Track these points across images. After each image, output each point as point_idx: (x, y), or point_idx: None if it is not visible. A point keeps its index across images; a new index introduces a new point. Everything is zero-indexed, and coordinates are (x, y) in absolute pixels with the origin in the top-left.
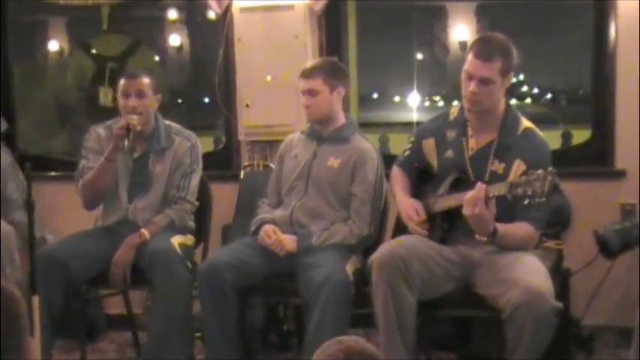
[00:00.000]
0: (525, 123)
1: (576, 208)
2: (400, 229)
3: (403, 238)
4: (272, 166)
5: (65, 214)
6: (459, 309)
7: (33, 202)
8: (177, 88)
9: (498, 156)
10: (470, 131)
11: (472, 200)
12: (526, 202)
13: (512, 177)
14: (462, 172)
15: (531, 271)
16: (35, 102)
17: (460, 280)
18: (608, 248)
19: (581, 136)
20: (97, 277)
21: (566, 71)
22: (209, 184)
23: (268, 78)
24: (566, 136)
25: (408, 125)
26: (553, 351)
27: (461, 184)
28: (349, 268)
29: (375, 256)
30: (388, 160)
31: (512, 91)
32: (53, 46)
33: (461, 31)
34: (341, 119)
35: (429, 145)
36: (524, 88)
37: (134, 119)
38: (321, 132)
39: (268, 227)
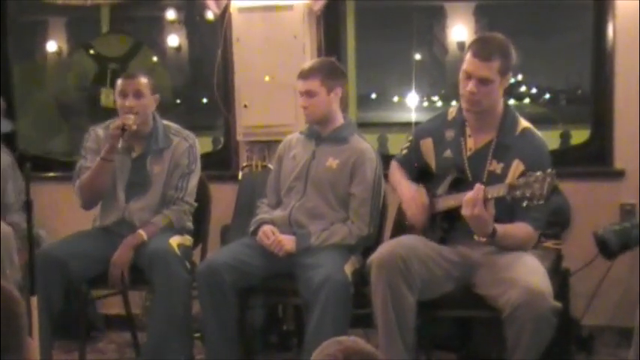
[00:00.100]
0: (524, 123)
1: (575, 208)
2: (399, 228)
3: (403, 238)
4: (271, 166)
5: (64, 214)
6: (458, 309)
7: (32, 202)
8: (176, 89)
9: (497, 156)
10: (468, 131)
11: (471, 201)
12: (525, 204)
13: (510, 177)
14: (460, 172)
15: (531, 272)
16: (35, 102)
17: (460, 281)
18: (607, 249)
19: (580, 136)
20: (96, 277)
21: (565, 71)
22: (208, 185)
23: (267, 78)
24: (565, 136)
25: (406, 125)
26: (553, 351)
27: (460, 184)
28: (348, 269)
29: (374, 256)
30: (387, 160)
31: (511, 91)
32: (53, 46)
33: (460, 31)
34: (339, 119)
35: (427, 145)
36: (523, 88)
37: (130, 119)
38: (320, 132)
39: (267, 227)
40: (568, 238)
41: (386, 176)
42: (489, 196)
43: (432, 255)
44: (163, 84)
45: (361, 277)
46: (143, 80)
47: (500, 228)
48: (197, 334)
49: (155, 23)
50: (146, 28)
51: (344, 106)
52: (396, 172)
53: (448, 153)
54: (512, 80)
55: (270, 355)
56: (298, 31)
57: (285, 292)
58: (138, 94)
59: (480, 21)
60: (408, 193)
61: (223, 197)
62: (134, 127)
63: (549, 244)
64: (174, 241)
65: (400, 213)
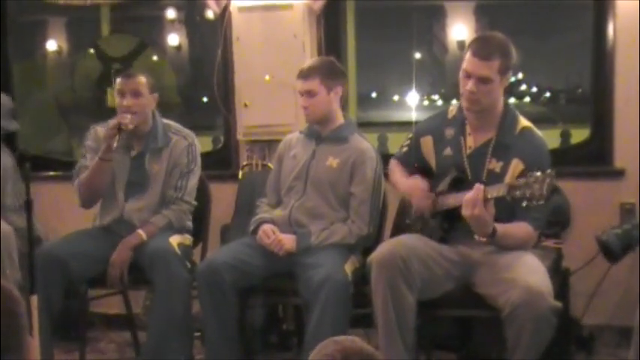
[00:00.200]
0: (523, 122)
1: (575, 207)
2: (399, 228)
3: (403, 238)
4: (271, 165)
5: (64, 214)
6: (458, 309)
7: (32, 202)
8: (176, 88)
9: (496, 155)
10: (468, 130)
11: (471, 201)
12: (524, 204)
13: (509, 176)
14: (460, 171)
15: (531, 271)
16: (35, 101)
17: (460, 280)
18: (611, 252)
19: (580, 135)
20: (96, 277)
21: (566, 71)
22: (208, 184)
23: (267, 77)
24: (565, 136)
25: (406, 124)
26: (553, 351)
27: (459, 182)
28: (348, 268)
29: (374, 256)
30: (387, 159)
31: (511, 90)
32: (53, 45)
33: (460, 30)
34: (339, 119)
35: (427, 143)
36: (523, 87)
37: (126, 118)
38: (320, 132)
39: (267, 227)
40: (568, 238)
41: (386, 175)
42: (489, 196)
43: (432, 254)
44: (169, 84)
45: (361, 277)
46: (141, 79)
47: (501, 228)
48: (197, 334)
49: (155, 23)
50: (146, 28)
51: (344, 105)
52: (396, 170)
53: (448, 151)
54: (513, 79)
55: (270, 354)
56: (298, 30)
57: (285, 291)
58: (136, 94)
59: (479, 20)
60: (407, 182)
61: (223, 196)
62: (131, 127)
63: (549, 243)
64: (175, 240)
65: (400, 212)
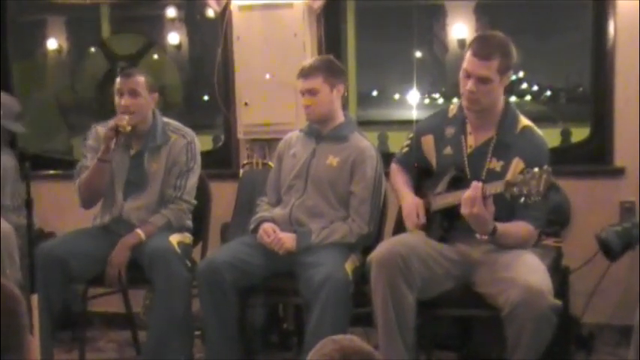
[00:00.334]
0: (524, 121)
1: (575, 206)
2: (401, 227)
3: (403, 237)
4: (271, 164)
5: (64, 213)
6: (458, 308)
7: (32, 201)
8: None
9: (496, 154)
10: (468, 129)
11: (470, 200)
12: (522, 200)
13: (510, 175)
14: (460, 170)
15: (530, 270)
16: (35, 101)
17: (460, 279)
18: (610, 251)
19: (580, 134)
20: (96, 276)
21: (566, 69)
22: (208, 183)
23: (267, 76)
24: (566, 134)
25: (407, 123)
26: (553, 350)
27: (459, 181)
28: (348, 267)
29: (374, 255)
30: (387, 158)
31: (512, 88)
32: (53, 44)
33: (460, 29)
34: (340, 117)
35: (428, 141)
36: (524, 86)
37: (124, 120)
38: (320, 130)
39: (267, 225)
40: (568, 236)
41: (386, 174)
42: (487, 193)
43: (431, 253)
44: (173, 83)
45: (361, 276)
46: (140, 79)
47: (501, 226)
48: (197, 333)
49: (156, 22)
50: (146, 27)
51: (344, 103)
52: (397, 177)
53: (448, 150)
54: (514, 78)
55: (271, 354)
56: (298, 29)
57: (285, 291)
58: (134, 93)
59: (480, 19)
60: (407, 201)
61: (223, 195)
62: (128, 128)
63: (549, 242)
64: (174, 239)
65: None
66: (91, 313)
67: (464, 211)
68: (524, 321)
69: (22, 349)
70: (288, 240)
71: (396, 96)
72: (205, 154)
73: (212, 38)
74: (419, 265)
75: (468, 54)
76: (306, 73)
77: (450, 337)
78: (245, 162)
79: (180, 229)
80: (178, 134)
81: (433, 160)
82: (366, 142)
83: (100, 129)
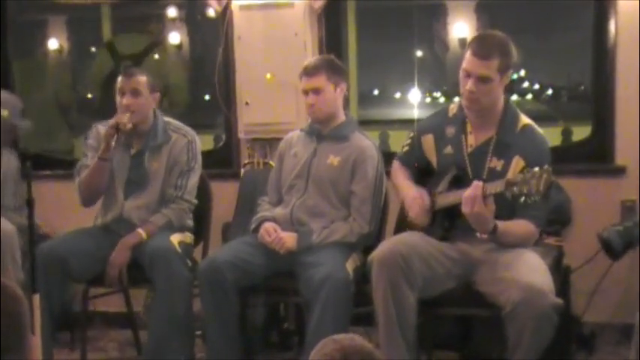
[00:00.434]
0: (524, 120)
1: (577, 205)
2: (402, 226)
3: (404, 236)
4: (272, 164)
5: (65, 212)
6: (459, 307)
7: (33, 201)
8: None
9: (497, 153)
10: (469, 128)
11: (470, 199)
12: (522, 199)
13: (511, 174)
14: (460, 169)
15: (532, 269)
16: (36, 100)
17: (461, 278)
18: (612, 250)
19: (581, 132)
20: (96, 276)
21: (567, 68)
22: (209, 183)
23: (268, 76)
24: (567, 133)
25: (408, 122)
26: (554, 349)
27: (460, 181)
28: (349, 266)
29: (375, 254)
30: (388, 157)
31: (513, 87)
32: (53, 44)
33: (461, 28)
34: (341, 117)
35: (429, 141)
36: (525, 85)
37: (124, 118)
38: (321, 130)
39: (268, 225)
40: (569, 235)
41: (387, 174)
42: (488, 193)
43: (432, 252)
44: (179, 84)
45: (362, 275)
46: (141, 78)
47: (501, 225)
48: (198, 333)
49: (156, 21)
50: (147, 26)
51: (345, 103)
52: (398, 173)
53: (449, 149)
54: (515, 76)
55: (271, 354)
56: (299, 28)
57: (286, 290)
58: (135, 93)
59: (480, 18)
60: (410, 194)
61: (224, 195)
62: (129, 127)
63: (550, 240)
64: (175, 238)
65: (403, 210)
66: (92, 312)
67: (464, 210)
68: (525, 320)
69: (24, 349)
70: (289, 239)
71: (397, 95)
72: (206, 154)
73: (213, 38)
74: (420, 265)
75: (468, 53)
76: (309, 72)
77: (450, 337)
78: (246, 161)
79: (181, 229)
80: (179, 133)
81: (434, 160)
82: (367, 142)
83: (101, 128)
